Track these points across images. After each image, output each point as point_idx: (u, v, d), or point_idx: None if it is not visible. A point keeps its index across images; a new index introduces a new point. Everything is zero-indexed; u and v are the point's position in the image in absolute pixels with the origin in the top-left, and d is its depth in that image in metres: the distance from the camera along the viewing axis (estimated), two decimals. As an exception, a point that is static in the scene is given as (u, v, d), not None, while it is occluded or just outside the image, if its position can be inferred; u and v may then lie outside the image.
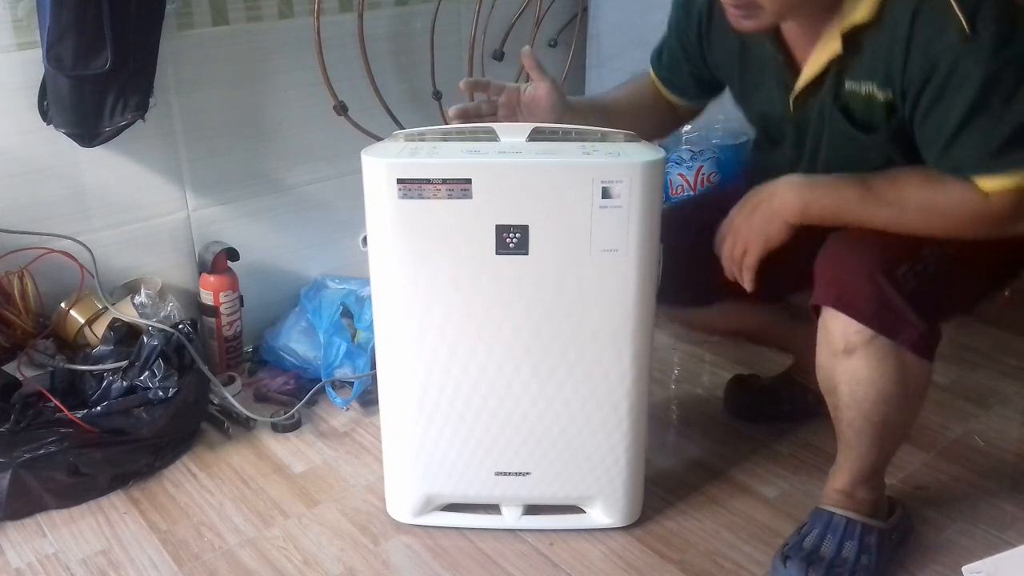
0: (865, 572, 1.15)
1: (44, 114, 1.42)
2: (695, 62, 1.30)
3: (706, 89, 1.35)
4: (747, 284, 1.15)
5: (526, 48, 1.24)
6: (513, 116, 1.25)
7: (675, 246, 1.24)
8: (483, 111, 1.25)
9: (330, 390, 1.58)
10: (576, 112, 1.26)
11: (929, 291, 1.08)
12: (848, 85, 1.09)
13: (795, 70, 1.14)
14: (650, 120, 1.36)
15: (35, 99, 1.42)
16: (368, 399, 1.58)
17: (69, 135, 1.41)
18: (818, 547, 1.16)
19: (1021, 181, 0.99)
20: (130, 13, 1.33)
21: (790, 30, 1.13)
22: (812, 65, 1.11)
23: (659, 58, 1.36)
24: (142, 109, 1.42)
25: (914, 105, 1.03)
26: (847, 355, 1.08)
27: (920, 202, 1.05)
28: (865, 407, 1.11)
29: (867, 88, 1.07)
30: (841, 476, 1.20)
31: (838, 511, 1.18)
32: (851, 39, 1.06)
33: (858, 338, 1.07)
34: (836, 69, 1.09)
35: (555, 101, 1.23)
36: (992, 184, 1.01)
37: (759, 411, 1.55)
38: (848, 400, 1.12)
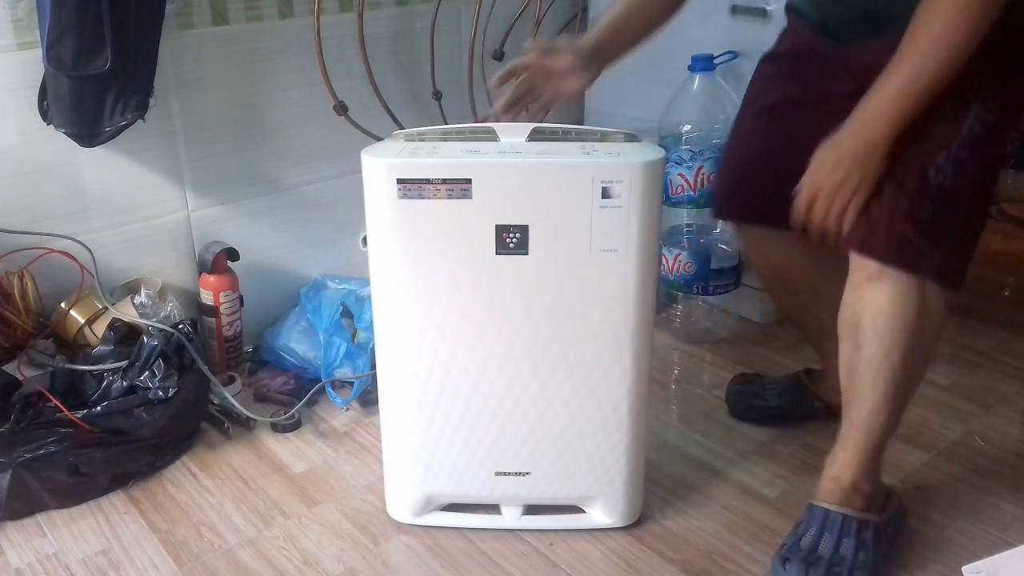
0: (863, 569, 1.16)
1: (44, 114, 1.42)
2: None
3: None
4: (848, 225, 1.13)
5: (528, 44, 1.25)
6: (543, 77, 1.25)
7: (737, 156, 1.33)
8: (520, 93, 1.26)
9: (330, 390, 1.58)
10: (603, 53, 1.25)
11: (947, 211, 1.10)
12: None
13: None
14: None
15: (35, 99, 1.42)
16: (368, 399, 1.58)
17: (69, 135, 1.41)
18: (816, 547, 1.17)
19: None
20: (130, 13, 1.33)
21: None
22: None
23: None
24: (142, 109, 1.42)
25: None
26: (872, 286, 1.11)
27: (927, 26, 1.03)
28: (886, 340, 1.11)
29: None
30: (843, 457, 1.19)
31: (834, 508, 1.18)
32: None
33: (881, 273, 1.10)
34: None
35: (578, 68, 1.24)
36: None
37: (761, 410, 1.55)
38: (870, 333, 1.12)
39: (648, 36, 1.30)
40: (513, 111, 1.27)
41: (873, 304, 1.11)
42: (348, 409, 1.59)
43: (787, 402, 1.53)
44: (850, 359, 1.16)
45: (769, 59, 1.34)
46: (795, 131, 1.22)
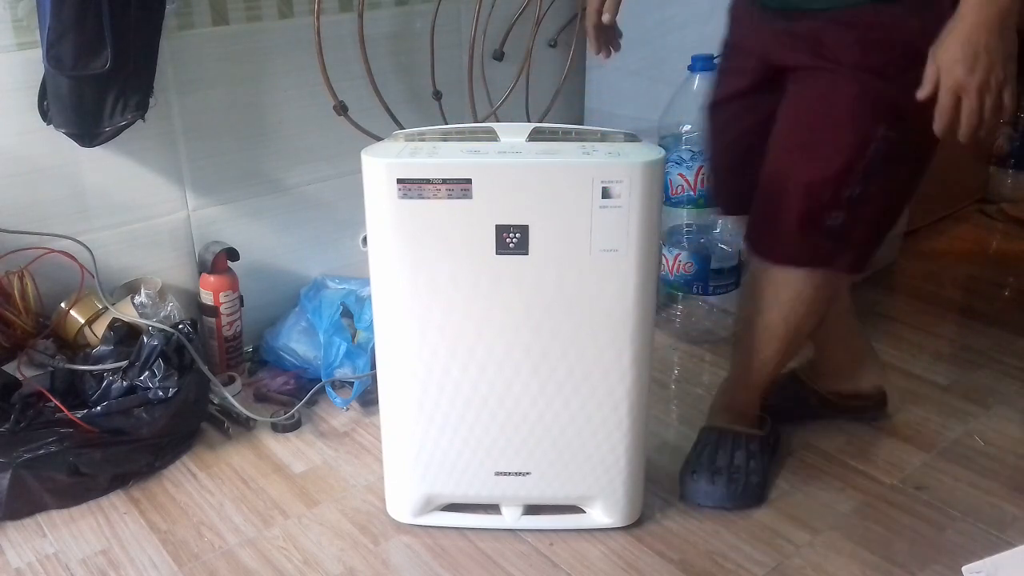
0: (756, 473, 1.35)
1: (44, 114, 1.42)
2: None
3: None
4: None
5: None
6: None
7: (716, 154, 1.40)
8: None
9: (330, 390, 1.58)
10: None
11: (857, 218, 1.19)
12: None
13: None
14: None
15: (35, 99, 1.42)
16: (368, 399, 1.58)
17: (69, 135, 1.41)
18: (714, 459, 1.35)
19: None
20: (130, 13, 1.33)
21: None
22: None
23: None
24: (142, 109, 1.42)
25: None
26: (780, 268, 1.24)
27: None
28: (785, 309, 1.26)
29: None
30: (733, 391, 1.40)
31: (726, 426, 1.38)
32: None
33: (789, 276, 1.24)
34: None
35: None
36: None
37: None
38: (772, 302, 1.26)
39: None
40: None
41: (779, 279, 1.25)
42: (348, 409, 1.59)
43: (785, 399, 1.53)
44: (749, 315, 1.33)
45: (724, 52, 1.37)
46: (758, 115, 1.26)
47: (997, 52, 1.02)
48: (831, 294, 1.28)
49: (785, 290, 1.25)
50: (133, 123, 1.42)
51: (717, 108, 1.37)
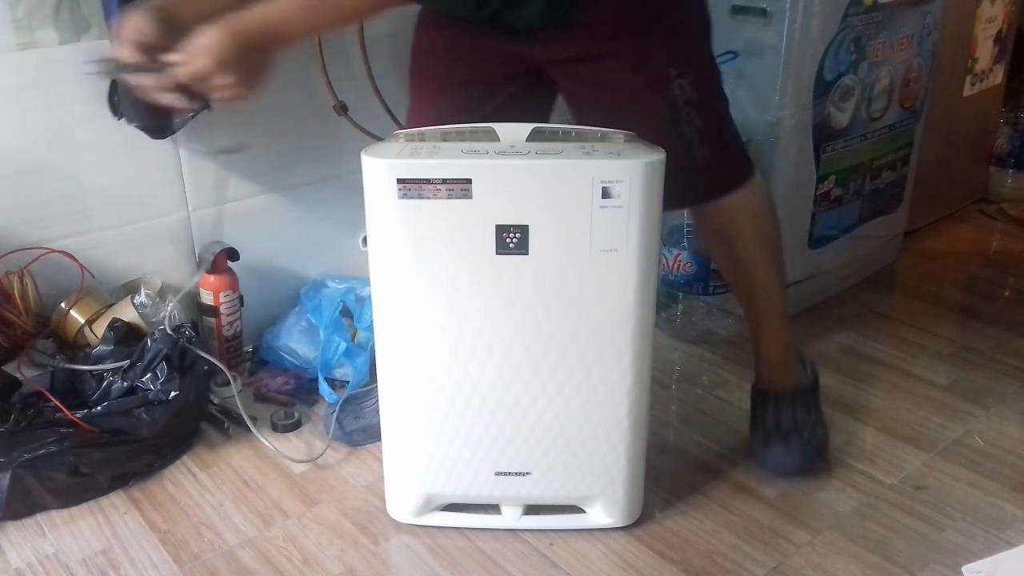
0: (817, 423, 1.42)
1: (115, 109, 1.45)
2: None
3: None
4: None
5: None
6: None
7: None
8: None
9: (324, 384, 1.58)
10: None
11: (717, 142, 1.29)
12: None
13: None
14: None
15: (35, 99, 1.42)
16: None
17: (141, 128, 1.44)
18: (779, 424, 1.39)
19: None
20: None
21: None
22: None
23: None
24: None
25: None
26: (715, 203, 1.34)
27: None
28: (748, 229, 1.35)
29: None
30: (764, 342, 1.43)
31: (775, 387, 1.43)
32: None
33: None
34: None
35: None
36: None
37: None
38: (734, 233, 1.36)
39: None
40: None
41: (725, 210, 1.34)
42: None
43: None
44: (728, 260, 1.40)
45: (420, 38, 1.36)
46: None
47: (259, 72, 1.12)
48: (764, 195, 1.38)
49: (738, 216, 1.35)
50: (199, 113, 1.44)
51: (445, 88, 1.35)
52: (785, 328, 1.43)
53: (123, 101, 1.43)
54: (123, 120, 1.45)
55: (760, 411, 1.44)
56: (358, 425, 1.50)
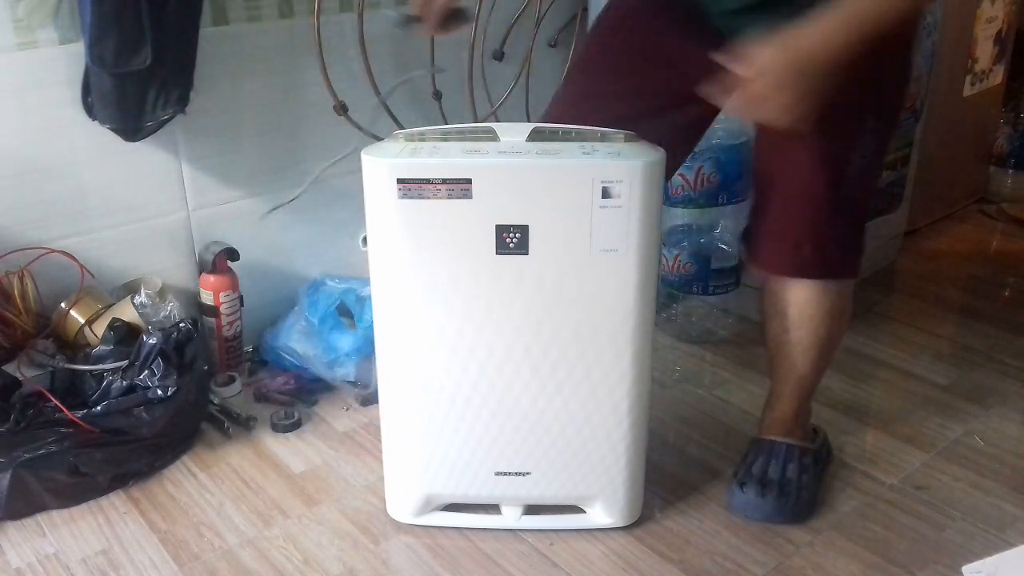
0: (807, 488, 1.32)
1: (89, 109, 1.44)
2: None
3: None
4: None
5: None
6: None
7: None
8: None
9: (326, 371, 1.58)
10: None
11: (854, 222, 1.21)
12: None
13: None
14: None
15: (35, 99, 1.42)
16: (368, 399, 1.58)
17: (113, 130, 1.43)
18: (765, 472, 1.32)
19: None
20: (168, 10, 1.35)
21: None
22: None
23: None
24: (183, 102, 1.44)
25: None
26: (795, 283, 1.24)
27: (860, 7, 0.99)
28: (814, 323, 1.26)
29: None
30: (780, 405, 1.35)
31: (778, 439, 1.34)
32: None
33: (802, 291, 1.24)
34: None
35: None
36: None
37: None
38: (797, 320, 1.26)
39: None
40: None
41: (799, 297, 1.25)
42: (348, 409, 1.59)
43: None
44: (778, 337, 1.30)
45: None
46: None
47: (817, 88, 0.98)
48: (847, 301, 1.28)
49: (808, 308, 1.25)
50: (175, 116, 1.44)
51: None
52: (807, 400, 1.37)
53: (96, 102, 1.41)
54: (96, 122, 1.44)
55: (751, 454, 1.35)
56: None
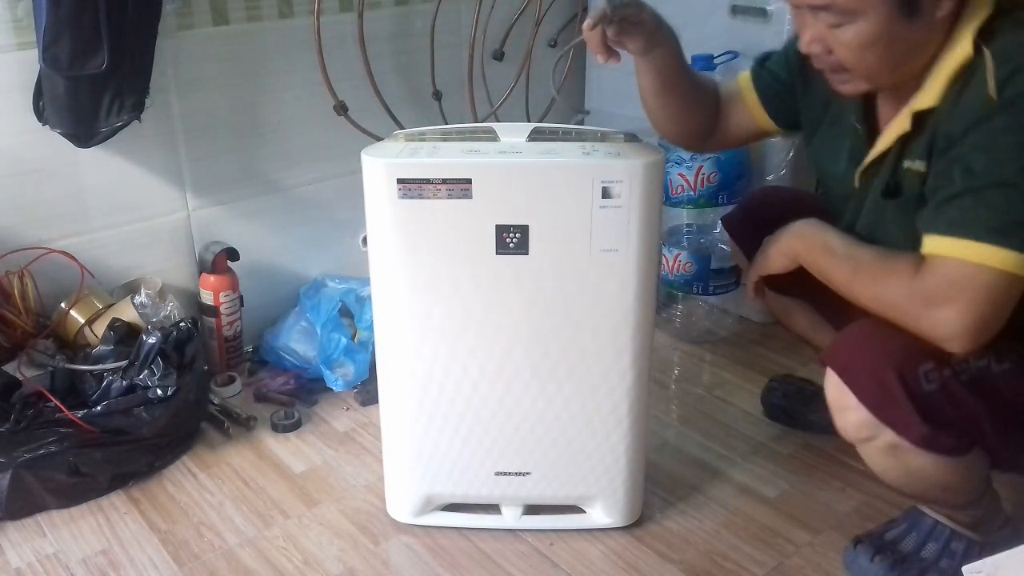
0: (940, 574, 1.12)
1: (40, 114, 1.42)
2: (788, 88, 1.25)
3: (784, 115, 1.28)
4: (748, 293, 1.26)
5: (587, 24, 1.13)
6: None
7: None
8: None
9: (328, 374, 1.58)
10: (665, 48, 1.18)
11: (951, 399, 0.99)
12: (906, 163, 1.04)
13: (871, 146, 1.09)
14: (720, 115, 1.31)
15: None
16: (368, 399, 1.58)
17: (65, 135, 1.41)
18: (898, 541, 1.16)
19: (961, 251, 0.92)
20: (127, 14, 1.33)
21: (882, 105, 1.10)
22: (883, 141, 1.06)
23: (761, 63, 1.28)
24: (138, 110, 1.42)
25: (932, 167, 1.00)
26: (858, 442, 1.06)
27: (870, 262, 1.02)
28: (893, 484, 1.10)
29: (918, 164, 1.02)
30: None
31: (931, 514, 1.15)
32: (919, 119, 1.01)
33: (854, 415, 1.02)
34: (899, 147, 1.04)
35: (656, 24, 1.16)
36: (936, 245, 0.95)
37: (792, 415, 1.54)
38: (879, 470, 1.09)
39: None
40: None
41: (865, 455, 1.08)
42: (348, 409, 1.59)
43: (794, 404, 1.53)
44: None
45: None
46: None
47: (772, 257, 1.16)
48: (934, 478, 1.05)
49: (878, 470, 1.09)
50: (129, 124, 1.42)
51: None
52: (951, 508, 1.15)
53: (48, 107, 1.39)
54: (47, 126, 1.41)
55: (897, 520, 1.20)
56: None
